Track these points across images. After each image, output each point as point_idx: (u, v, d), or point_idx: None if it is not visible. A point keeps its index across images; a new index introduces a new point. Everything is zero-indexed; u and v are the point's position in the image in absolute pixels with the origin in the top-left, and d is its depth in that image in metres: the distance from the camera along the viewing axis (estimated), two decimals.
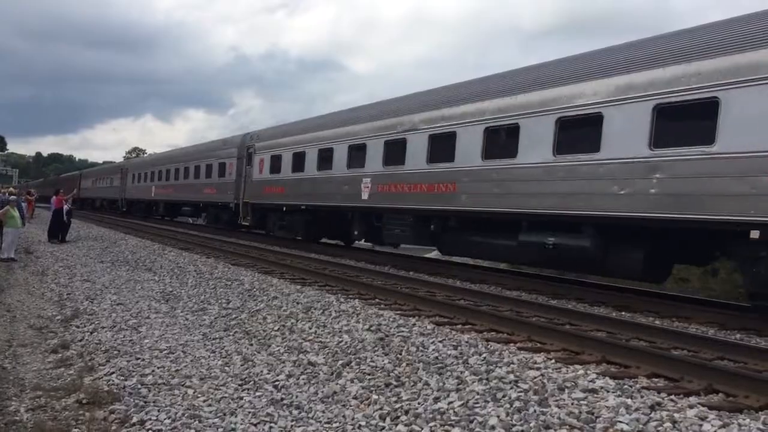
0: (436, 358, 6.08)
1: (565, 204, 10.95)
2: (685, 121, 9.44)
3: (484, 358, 5.96)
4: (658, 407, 4.54)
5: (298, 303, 9.17)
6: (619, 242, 10.43)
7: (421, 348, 6.43)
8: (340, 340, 7.06)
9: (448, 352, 6.21)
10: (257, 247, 18.91)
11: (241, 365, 6.62)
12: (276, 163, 21.50)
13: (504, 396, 4.94)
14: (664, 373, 5.49)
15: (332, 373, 6.04)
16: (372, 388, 5.52)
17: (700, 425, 4.21)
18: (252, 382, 6.05)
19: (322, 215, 19.26)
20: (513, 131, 12.17)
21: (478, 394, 5.06)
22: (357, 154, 16.96)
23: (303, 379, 6.01)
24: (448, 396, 5.13)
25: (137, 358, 6.90)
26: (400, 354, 6.32)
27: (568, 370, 5.50)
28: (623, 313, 9.59)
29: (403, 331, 7.15)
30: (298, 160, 19.99)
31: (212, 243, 20.10)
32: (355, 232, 17.95)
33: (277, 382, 5.97)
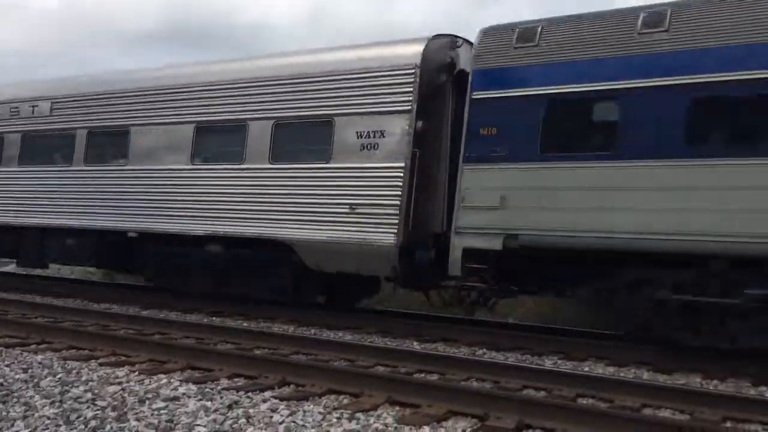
0: (1, 384, 5.37)
1: None
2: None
3: (60, 378, 5.49)
4: (235, 405, 4.78)
5: None
6: None
7: None
8: None
9: (16, 377, 5.55)
10: None
11: None
12: None
13: (79, 417, 4.60)
14: (245, 372, 5.80)
15: None
16: None
17: (271, 416, 4.56)
18: None
19: None
20: None
21: (48, 418, 4.61)
22: None
23: None
24: (12, 426, 4.56)
25: None
26: None
27: (152, 381, 5.42)
28: (214, 318, 9.88)
29: None
30: None
31: None
32: None
33: None
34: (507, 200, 8.03)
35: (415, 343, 8.33)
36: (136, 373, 5.72)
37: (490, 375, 6.13)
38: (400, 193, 8.78)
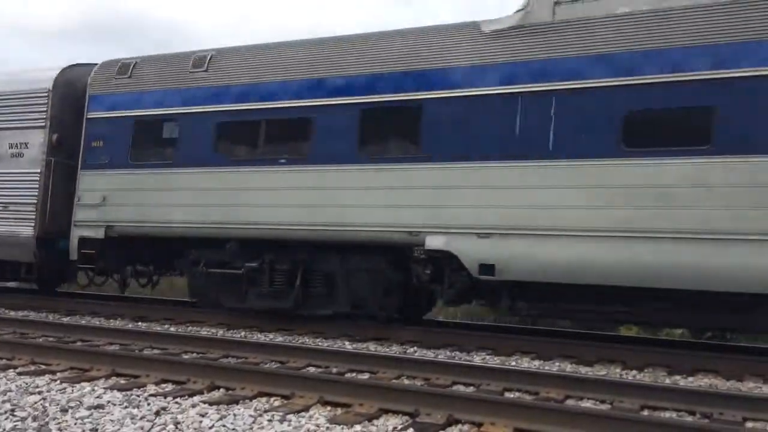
0: None
1: None
2: None
3: None
4: (163, 412, 4.68)
5: None
6: None
7: None
8: None
9: None
10: None
11: None
12: None
13: None
14: (172, 378, 5.66)
15: None
16: None
17: (201, 421, 4.48)
18: None
19: None
20: None
21: None
22: None
23: None
24: None
25: None
26: None
27: (74, 390, 5.23)
28: (140, 323, 9.63)
29: None
30: None
31: None
32: None
33: None
34: (107, 199, 10.32)
35: (346, 343, 8.36)
36: (58, 381, 5.50)
37: (421, 372, 6.22)
38: (37, 193, 10.86)
